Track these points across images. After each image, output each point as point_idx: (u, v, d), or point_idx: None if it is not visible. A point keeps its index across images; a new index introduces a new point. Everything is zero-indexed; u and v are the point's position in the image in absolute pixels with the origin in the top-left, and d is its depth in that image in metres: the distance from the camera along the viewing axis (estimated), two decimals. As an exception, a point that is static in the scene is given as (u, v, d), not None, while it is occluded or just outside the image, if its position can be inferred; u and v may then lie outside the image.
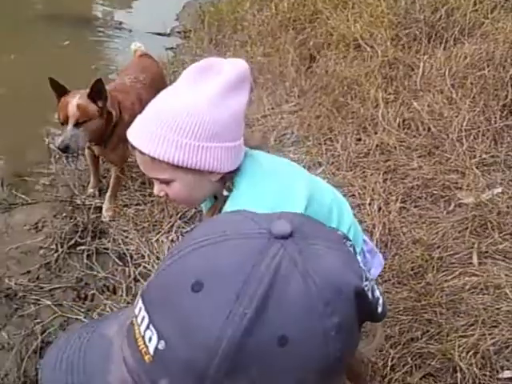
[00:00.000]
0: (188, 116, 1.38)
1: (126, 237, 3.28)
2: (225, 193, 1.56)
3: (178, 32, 5.90)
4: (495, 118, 3.55)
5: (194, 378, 0.63)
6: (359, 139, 3.50)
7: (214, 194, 1.61)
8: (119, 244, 3.24)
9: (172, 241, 3.22)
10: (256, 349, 0.61)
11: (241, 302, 0.61)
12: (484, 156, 3.37)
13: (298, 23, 4.72)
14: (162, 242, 3.22)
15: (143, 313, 0.67)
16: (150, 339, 0.65)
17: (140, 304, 0.68)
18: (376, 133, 3.47)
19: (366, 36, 4.23)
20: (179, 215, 3.30)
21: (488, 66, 3.78)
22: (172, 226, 3.27)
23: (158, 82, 3.47)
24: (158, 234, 3.26)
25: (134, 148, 1.46)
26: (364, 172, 3.30)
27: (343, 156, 3.39)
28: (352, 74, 3.87)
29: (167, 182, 1.49)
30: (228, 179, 1.54)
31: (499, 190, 3.18)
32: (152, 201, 3.42)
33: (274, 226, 0.65)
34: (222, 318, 0.61)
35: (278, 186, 1.53)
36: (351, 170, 3.34)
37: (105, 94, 2.99)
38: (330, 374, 0.66)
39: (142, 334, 0.66)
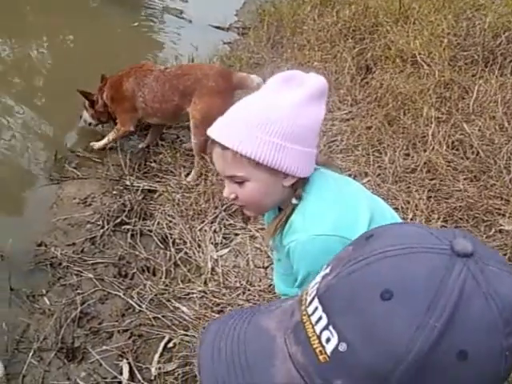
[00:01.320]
0: (273, 116, 1.44)
1: (170, 221, 3.38)
2: (294, 201, 1.56)
3: (236, 28, 5.99)
4: (545, 150, 3.57)
5: (374, 383, 0.66)
6: (407, 154, 3.54)
7: (281, 202, 1.60)
8: (163, 228, 3.34)
9: (215, 231, 3.30)
10: (438, 361, 0.64)
11: (431, 314, 0.64)
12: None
13: (357, 33, 4.77)
14: (205, 231, 3.30)
15: (320, 313, 0.69)
16: (328, 340, 0.67)
17: (316, 304, 0.70)
18: (425, 150, 3.51)
19: (424, 53, 4.26)
20: (224, 207, 3.38)
21: (543, 99, 3.81)
22: (216, 216, 3.36)
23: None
24: (201, 222, 3.34)
25: (214, 143, 1.49)
26: (409, 187, 3.35)
27: (390, 169, 3.43)
28: (407, 89, 3.92)
29: (241, 183, 1.51)
30: (299, 187, 1.56)
31: (541, 221, 3.20)
32: (199, 190, 3.51)
33: (457, 244, 0.68)
34: (413, 328, 0.64)
35: (344, 204, 1.56)
36: (396, 184, 3.38)
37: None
38: None
39: (318, 333, 0.68)
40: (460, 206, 3.26)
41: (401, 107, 3.80)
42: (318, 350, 0.68)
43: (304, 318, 0.71)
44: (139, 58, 4.35)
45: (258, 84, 3.66)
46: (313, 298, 0.71)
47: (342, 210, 1.54)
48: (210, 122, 3.68)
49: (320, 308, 0.69)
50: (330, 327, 0.67)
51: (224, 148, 1.47)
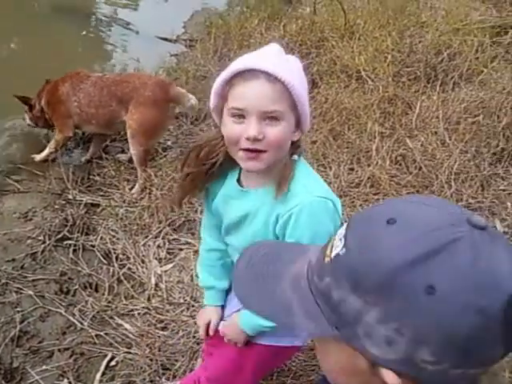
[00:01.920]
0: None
1: (114, 236, 3.33)
2: (295, 157, 1.62)
3: (184, 40, 5.97)
4: (484, 164, 3.66)
5: (349, 284, 0.78)
6: (352, 169, 3.58)
7: (278, 160, 1.59)
8: (106, 243, 3.29)
9: (159, 246, 3.27)
10: (406, 284, 0.73)
11: (419, 243, 0.74)
12: (470, 200, 3.47)
13: (303, 47, 4.81)
14: (149, 246, 3.27)
15: (343, 231, 0.84)
16: (337, 246, 0.82)
17: (344, 226, 0.85)
18: (369, 165, 3.55)
19: (369, 69, 4.33)
20: (168, 222, 3.35)
21: (482, 114, 3.90)
22: (160, 231, 3.33)
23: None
24: (145, 237, 3.31)
25: (253, 75, 1.47)
26: (353, 202, 3.38)
27: (334, 184, 3.46)
28: (352, 104, 3.96)
29: (274, 122, 1.50)
30: (299, 144, 1.63)
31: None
32: (143, 204, 3.47)
33: (473, 217, 0.77)
34: (397, 248, 0.75)
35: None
36: (341, 198, 3.40)
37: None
38: (448, 349, 0.74)
39: (332, 243, 0.84)
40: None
41: (345, 122, 3.84)
42: (326, 253, 0.84)
43: (333, 237, 0.87)
44: (86, 67, 4.30)
45: (193, 105, 3.68)
46: (345, 225, 0.86)
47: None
48: (146, 131, 3.70)
49: (344, 227, 0.84)
50: (342, 238, 0.82)
51: (274, 81, 1.47)
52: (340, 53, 4.53)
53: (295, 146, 1.61)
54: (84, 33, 5.99)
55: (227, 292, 1.96)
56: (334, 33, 4.85)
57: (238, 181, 1.69)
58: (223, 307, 1.97)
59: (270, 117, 1.49)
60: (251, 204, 1.64)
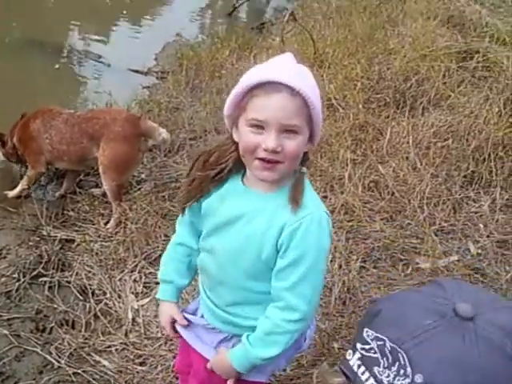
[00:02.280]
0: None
1: (89, 272, 3.31)
2: (304, 170, 1.65)
3: (156, 72, 6.00)
4: (456, 188, 3.72)
5: None
6: (325, 197, 3.60)
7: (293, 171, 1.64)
8: (82, 279, 3.26)
9: (135, 280, 3.26)
10: None
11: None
12: (443, 224, 3.51)
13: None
14: (125, 280, 3.25)
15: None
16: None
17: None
18: (342, 192, 3.59)
19: (339, 97, 4.38)
20: (144, 256, 3.35)
21: (452, 138, 3.96)
22: (136, 265, 3.31)
23: None
24: (121, 272, 3.29)
25: (276, 88, 1.50)
26: (327, 230, 3.40)
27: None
28: (323, 133, 4.00)
29: (293, 135, 1.54)
30: (308, 157, 1.68)
31: (455, 258, 3.31)
32: (118, 239, 3.46)
33: (459, 308, 0.83)
34: None
35: None
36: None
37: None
38: None
39: None
40: (378, 247, 3.34)
41: (318, 150, 3.87)
42: None
43: None
44: (58, 101, 4.31)
45: (165, 139, 3.71)
46: None
47: None
48: (118, 167, 3.70)
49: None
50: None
51: (295, 95, 1.51)
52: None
53: (305, 158, 1.65)
54: (57, 66, 6.00)
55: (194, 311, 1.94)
56: (303, 62, 4.89)
57: (242, 181, 1.71)
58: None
59: (289, 130, 1.53)
60: (251, 205, 1.66)
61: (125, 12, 7.69)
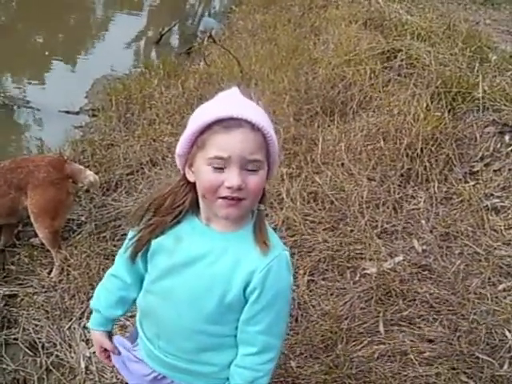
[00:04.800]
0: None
1: (37, 325, 3.22)
2: (262, 207, 1.64)
3: (87, 110, 5.94)
4: (394, 188, 3.75)
5: None
6: (266, 215, 3.58)
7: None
8: (30, 333, 3.17)
9: (84, 327, 3.18)
10: None
11: None
12: (385, 226, 3.53)
13: (204, 101, 4.83)
14: (75, 328, 3.17)
15: None
16: None
17: None
18: (282, 208, 3.58)
19: (270, 112, 4.38)
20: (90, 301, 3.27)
21: (383, 139, 4.00)
22: (84, 312, 3.24)
23: None
24: (69, 320, 3.21)
25: (237, 123, 1.47)
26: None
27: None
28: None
29: (255, 170, 1.50)
30: (265, 192, 1.64)
31: (400, 258, 3.33)
32: (62, 287, 3.39)
33: None
34: None
35: None
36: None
37: None
38: None
39: None
40: (324, 258, 3.34)
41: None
42: None
43: None
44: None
45: (92, 181, 3.65)
46: None
47: None
48: (48, 213, 3.61)
49: None
50: None
51: (255, 130, 1.48)
52: (239, 101, 4.58)
53: (262, 195, 1.62)
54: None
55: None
56: (231, 82, 4.91)
57: (199, 219, 1.66)
58: (110, 335, 1.92)
59: (251, 166, 1.49)
60: (214, 244, 1.61)
61: (51, 53, 7.61)
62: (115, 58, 7.26)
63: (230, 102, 1.54)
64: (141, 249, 1.70)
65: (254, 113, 1.51)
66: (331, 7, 7.01)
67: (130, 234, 1.74)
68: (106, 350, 1.92)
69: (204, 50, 5.36)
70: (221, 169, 1.50)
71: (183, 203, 1.63)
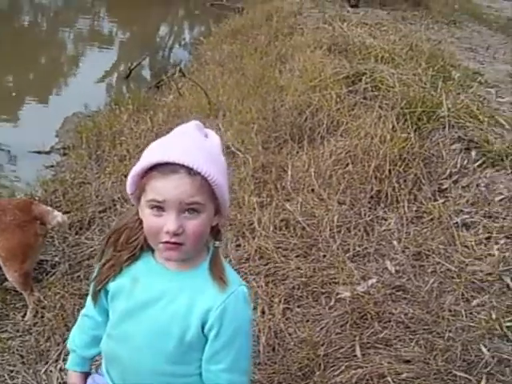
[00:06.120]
0: (219, 152, 1.60)
1: (12, 371, 3.18)
2: (217, 244, 1.62)
3: (58, 149, 5.93)
4: (364, 210, 3.78)
5: None
6: (239, 245, 3.60)
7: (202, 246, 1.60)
8: (5, 380, 3.13)
9: (61, 369, 3.15)
10: None
11: None
12: (357, 249, 3.55)
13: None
14: (51, 371, 3.14)
15: None
16: None
17: None
18: (254, 238, 3.59)
19: (238, 142, 4.42)
20: (66, 342, 3.24)
21: (352, 162, 4.04)
22: (60, 353, 3.21)
23: None
24: (46, 364, 3.18)
25: (175, 171, 1.46)
26: (246, 278, 3.39)
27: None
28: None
29: (195, 214, 1.49)
30: (219, 228, 1.64)
31: (374, 280, 3.34)
32: (37, 330, 3.36)
33: None
34: None
35: None
36: (234, 276, 3.41)
37: None
38: None
39: None
40: (298, 285, 3.34)
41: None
42: None
43: None
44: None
45: (60, 222, 3.63)
46: None
47: None
48: (16, 256, 3.58)
49: None
50: None
51: (194, 174, 1.46)
52: (208, 133, 4.61)
53: (216, 231, 1.62)
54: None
55: None
56: (199, 114, 4.95)
57: (154, 258, 1.64)
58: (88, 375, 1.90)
59: (190, 209, 1.48)
60: (170, 284, 1.60)
61: (21, 92, 7.61)
62: (86, 95, 7.27)
63: (172, 144, 1.53)
64: (101, 286, 1.69)
65: (196, 155, 1.49)
66: (296, 34, 7.12)
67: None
68: None
69: (173, 82, 5.38)
70: (160, 212, 1.49)
71: (137, 238, 1.62)
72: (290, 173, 4.03)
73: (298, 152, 4.30)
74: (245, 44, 7.54)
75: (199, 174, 1.47)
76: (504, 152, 4.16)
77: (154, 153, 1.52)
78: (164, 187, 1.47)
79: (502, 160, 4.11)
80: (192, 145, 1.53)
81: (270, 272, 3.42)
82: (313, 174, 3.97)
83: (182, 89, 5.75)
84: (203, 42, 9.38)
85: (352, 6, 9.94)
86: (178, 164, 1.46)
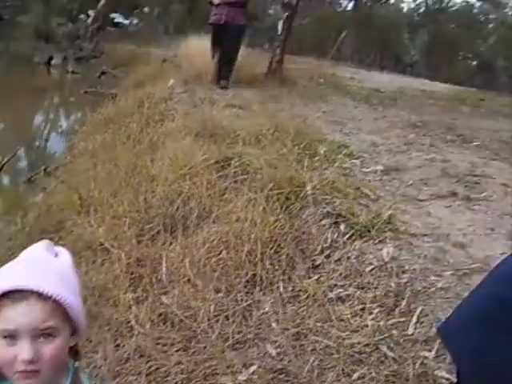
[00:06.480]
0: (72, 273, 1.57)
1: None
2: (77, 364, 1.58)
3: None
4: (241, 296, 3.81)
5: None
6: (118, 345, 3.52)
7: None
8: None
9: None
10: None
11: None
12: (236, 336, 3.55)
13: (45, 235, 4.74)
14: None
15: None
16: None
17: None
18: (131, 336, 3.53)
19: (111, 238, 4.38)
20: None
21: (225, 249, 4.10)
22: None
23: None
24: None
25: (24, 297, 1.42)
26: (127, 379, 3.31)
27: (105, 366, 3.37)
28: (101, 279, 3.95)
29: (50, 339, 1.44)
30: (77, 348, 1.59)
31: (255, 367, 3.35)
32: None
33: None
34: None
35: None
36: (115, 379, 3.33)
37: None
38: None
39: None
40: (180, 381, 3.29)
41: (99, 300, 3.80)
42: None
43: None
44: None
45: None
46: None
47: None
48: None
49: None
50: None
51: (44, 298, 1.43)
52: (79, 230, 4.56)
53: (74, 351, 1.57)
54: None
55: None
56: (70, 211, 4.88)
57: None
58: None
59: (45, 334, 1.44)
60: None
61: None
62: None
63: (20, 269, 1.51)
64: None
65: (45, 279, 1.47)
66: (167, 120, 7.24)
67: None
68: None
69: (39, 181, 5.31)
70: (13, 342, 1.45)
71: None
72: (164, 265, 4.02)
73: (171, 243, 4.31)
74: (117, 132, 7.55)
75: (50, 297, 1.45)
76: (370, 223, 4.35)
77: (2, 280, 1.47)
78: (14, 316, 1.44)
79: (369, 231, 4.30)
80: (41, 267, 1.51)
81: (151, 370, 3.35)
82: (187, 263, 3.98)
83: (52, 185, 5.66)
84: (77, 131, 9.33)
85: (222, 88, 10.28)
86: (27, 290, 1.44)
